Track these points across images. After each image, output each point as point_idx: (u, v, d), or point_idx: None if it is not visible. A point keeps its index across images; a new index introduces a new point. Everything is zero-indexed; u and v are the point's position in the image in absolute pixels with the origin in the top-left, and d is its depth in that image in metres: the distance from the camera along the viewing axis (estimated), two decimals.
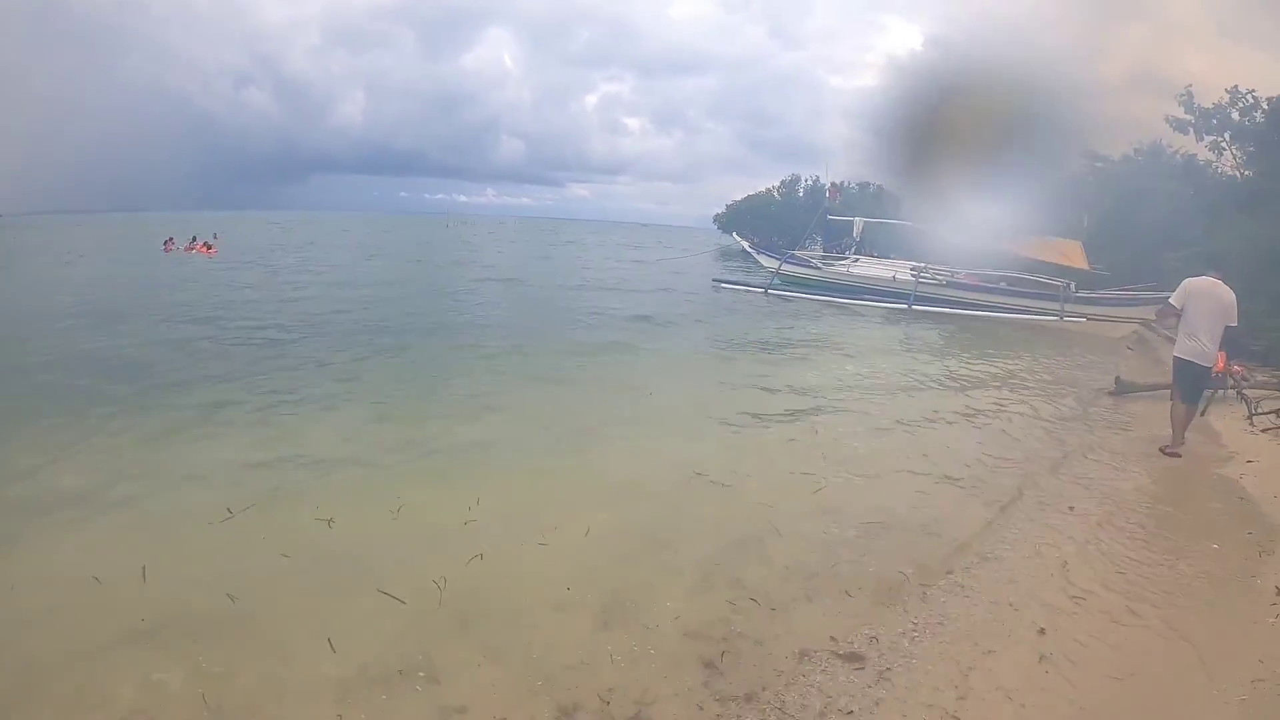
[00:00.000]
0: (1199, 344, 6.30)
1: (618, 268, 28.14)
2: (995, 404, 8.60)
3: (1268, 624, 3.71)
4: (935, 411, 8.08)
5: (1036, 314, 16.44)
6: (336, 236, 46.71)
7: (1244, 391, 8.45)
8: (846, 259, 21.24)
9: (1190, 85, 19.54)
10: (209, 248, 25.76)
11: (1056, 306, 16.25)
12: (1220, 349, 6.70)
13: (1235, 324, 6.35)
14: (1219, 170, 19.94)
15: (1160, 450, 6.64)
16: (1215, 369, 7.78)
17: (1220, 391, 8.61)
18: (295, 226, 60.81)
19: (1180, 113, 19.74)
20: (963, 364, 11.31)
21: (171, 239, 25.79)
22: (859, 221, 22.59)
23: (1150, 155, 22.02)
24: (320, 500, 4.68)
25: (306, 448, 5.81)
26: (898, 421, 7.60)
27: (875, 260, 21.09)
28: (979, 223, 16.45)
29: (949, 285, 17.93)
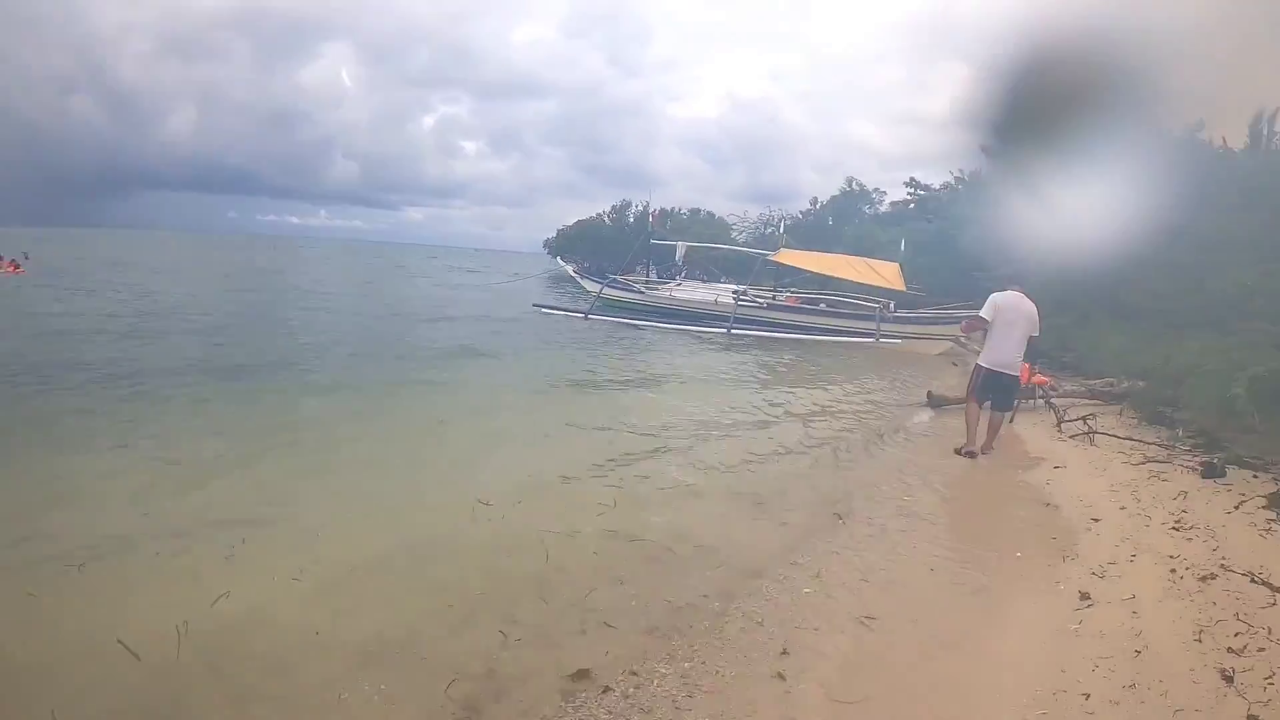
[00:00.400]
0: (1006, 355, 6.64)
1: (439, 294, 27.03)
2: (808, 426, 8.35)
3: (1070, 631, 3.60)
4: (745, 433, 7.78)
5: (855, 335, 16.97)
6: (155, 257, 42.30)
7: (1052, 401, 8.76)
8: (671, 283, 21.76)
9: None
10: (15, 266, 23.06)
11: (874, 327, 16.85)
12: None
13: (1038, 334, 6.80)
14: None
15: (955, 451, 6.86)
16: (1025, 382, 8.34)
17: (1030, 402, 8.92)
18: (117, 244, 55.83)
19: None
20: (777, 387, 11.22)
21: None
22: (682, 246, 23.17)
23: (970, 184, 22.86)
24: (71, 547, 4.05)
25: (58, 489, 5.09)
26: (700, 442, 7.17)
27: (699, 284, 21.68)
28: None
29: (770, 308, 18.48)
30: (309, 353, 11.43)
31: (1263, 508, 5.05)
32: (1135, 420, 7.95)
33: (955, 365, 14.40)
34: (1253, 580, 4.01)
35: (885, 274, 17.79)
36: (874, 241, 24.81)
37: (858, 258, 19.23)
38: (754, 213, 43.00)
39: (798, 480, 6.09)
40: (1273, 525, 4.76)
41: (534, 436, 7.13)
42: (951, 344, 16.16)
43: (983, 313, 6.65)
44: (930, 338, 16.46)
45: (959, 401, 9.07)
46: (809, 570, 4.22)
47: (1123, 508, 5.25)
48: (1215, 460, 6.00)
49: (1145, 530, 4.81)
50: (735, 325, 17.46)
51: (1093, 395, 9.38)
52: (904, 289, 17.73)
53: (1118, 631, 3.54)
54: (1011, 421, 7.57)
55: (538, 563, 4.19)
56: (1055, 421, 8.03)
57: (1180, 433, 6.61)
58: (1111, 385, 9.40)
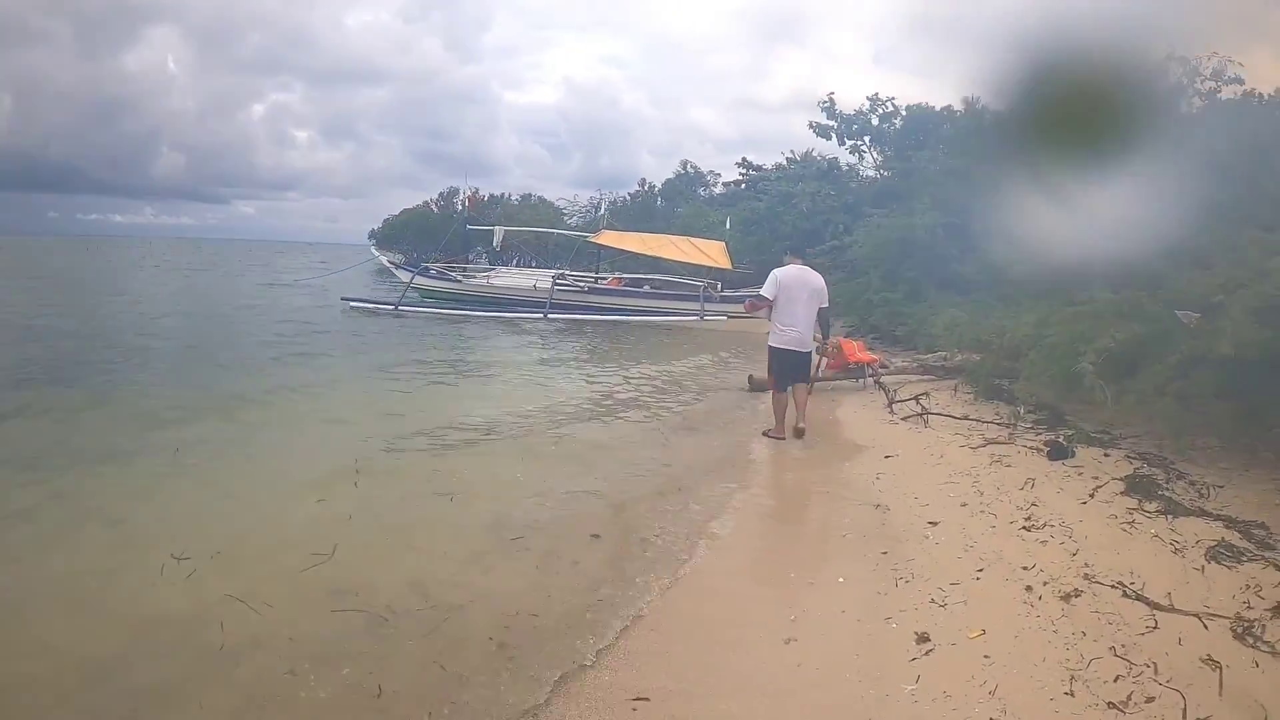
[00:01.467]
0: (797, 332, 6.44)
1: (253, 293, 24.17)
2: (616, 419, 7.60)
3: (906, 697, 2.70)
4: (531, 438, 6.78)
5: (679, 316, 16.58)
6: None
7: (882, 380, 8.18)
8: (490, 270, 21.36)
9: (832, 93, 20.59)
10: None
11: (698, 307, 16.54)
12: (856, 339, 7.50)
13: (826, 305, 6.66)
14: (860, 173, 21.40)
15: (764, 434, 6.63)
16: (851, 360, 8.27)
17: (859, 381, 8.50)
18: None
19: (823, 119, 20.69)
20: (582, 374, 10.51)
21: None
22: (499, 230, 22.54)
23: (801, 163, 23.37)
24: None
25: None
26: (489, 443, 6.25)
27: (518, 270, 21.24)
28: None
29: (592, 291, 18.10)
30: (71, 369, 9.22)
31: (1120, 494, 4.39)
32: (971, 396, 7.36)
33: None
34: (1124, 594, 3.20)
35: (711, 252, 17.65)
36: (705, 221, 24.89)
37: (682, 237, 19.22)
38: (584, 197, 42.28)
39: (579, 507, 4.95)
40: (1135, 515, 4.08)
41: (272, 477, 5.58)
42: None
43: (764, 291, 6.45)
44: (758, 316, 16.16)
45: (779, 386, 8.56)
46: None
47: (964, 504, 4.41)
48: (1061, 439, 5.42)
49: (992, 534, 3.96)
50: (552, 310, 16.89)
51: (925, 371, 8.91)
52: (731, 267, 17.67)
53: (967, 690, 2.64)
54: (809, 391, 6.91)
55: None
56: (886, 402, 7.36)
57: (1021, 410, 6.05)
58: (945, 360, 8.98)
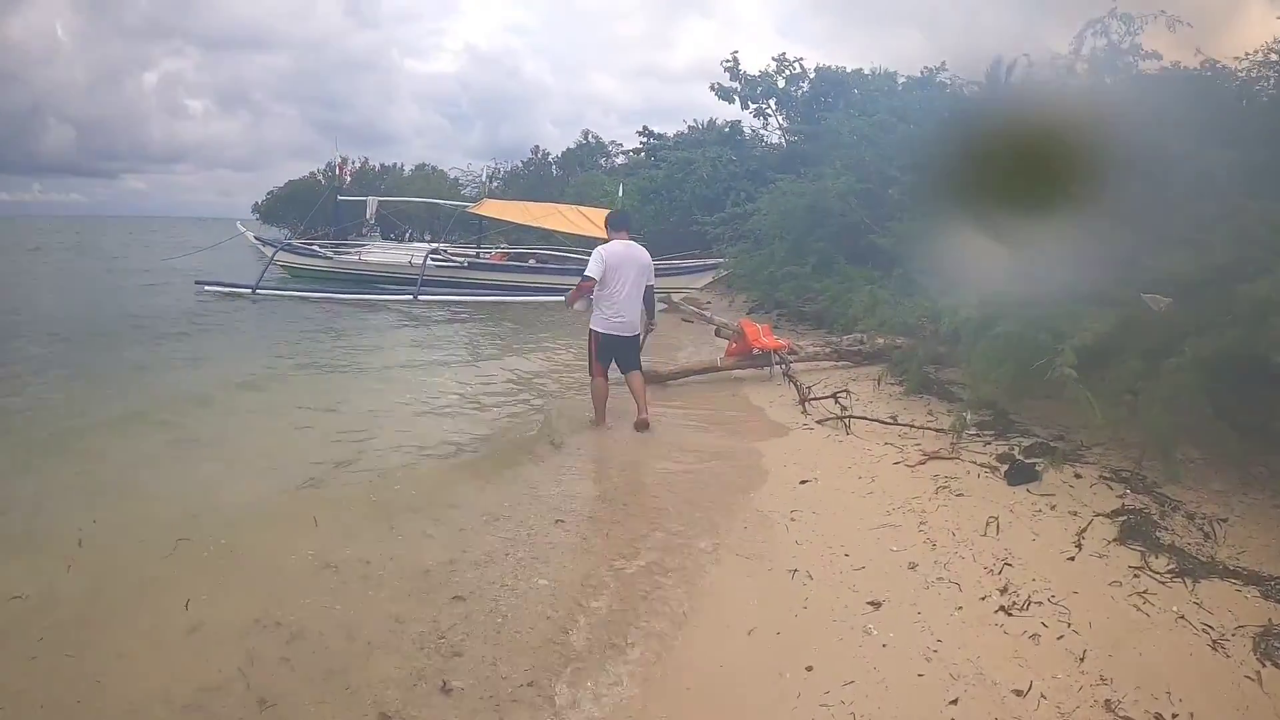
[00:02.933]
0: (623, 314, 5.94)
1: (102, 278, 21.31)
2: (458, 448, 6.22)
3: None
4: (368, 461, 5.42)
5: (561, 293, 14.36)
6: None
7: (791, 372, 6.86)
8: (363, 245, 19.67)
9: (736, 53, 19.27)
10: None
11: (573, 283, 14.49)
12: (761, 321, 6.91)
13: (653, 283, 6.13)
14: (765, 139, 20.33)
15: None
16: (756, 345, 7.27)
17: (767, 370, 7.36)
18: None
19: (727, 81, 19.41)
20: (431, 366, 9.04)
21: None
22: (372, 201, 21.13)
23: (702, 130, 22.22)
24: None
25: None
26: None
27: (394, 245, 19.52)
28: None
29: (472, 267, 16.72)
30: None
31: (1113, 540, 3.29)
32: (898, 389, 6.30)
33: (687, 323, 12.49)
34: None
35: (599, 220, 16.14)
36: (600, 191, 23.58)
37: (570, 206, 17.85)
38: (479, 166, 40.15)
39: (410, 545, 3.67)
40: (1141, 578, 2.95)
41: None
42: (684, 298, 15.00)
43: (589, 272, 5.88)
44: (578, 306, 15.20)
45: (678, 375, 7.32)
46: None
47: (913, 566, 3.19)
48: (1018, 454, 4.32)
49: (959, 624, 2.74)
50: (424, 290, 15.30)
51: (840, 357, 7.80)
52: None
53: None
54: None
55: None
56: (798, 399, 6.17)
57: (967, 417, 4.92)
58: (862, 344, 7.94)
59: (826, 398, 5.89)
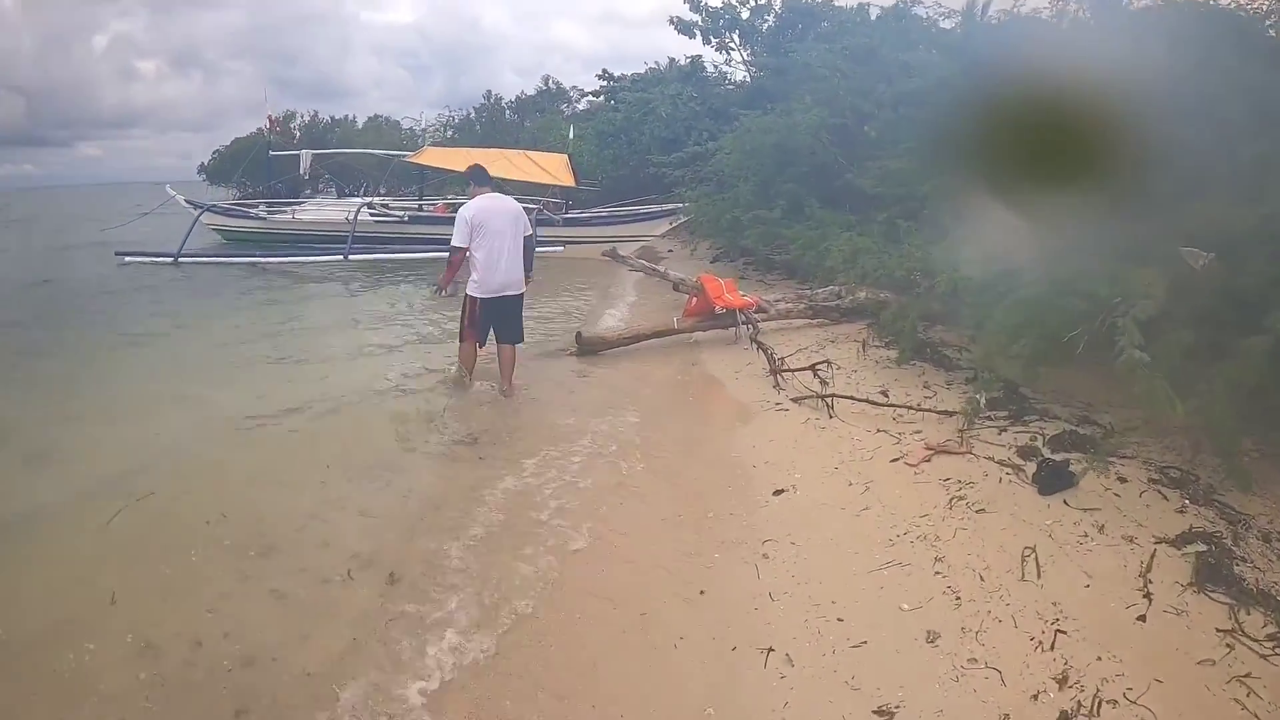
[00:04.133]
0: (504, 274, 5.32)
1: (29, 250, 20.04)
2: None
3: None
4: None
5: None
6: None
7: (759, 337, 5.88)
8: (299, 203, 18.43)
9: None
10: None
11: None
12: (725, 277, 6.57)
13: (532, 233, 5.62)
14: (729, 77, 19.21)
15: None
16: (719, 303, 6.43)
17: (735, 333, 6.48)
18: None
19: (686, 12, 18.07)
20: (354, 328, 8.22)
21: None
22: (306, 155, 19.41)
23: (664, 70, 20.87)
24: None
25: None
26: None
27: (333, 202, 18.62)
28: None
29: (413, 221, 15.55)
30: None
31: (1189, 586, 2.45)
32: (886, 355, 5.47)
33: (634, 275, 11.57)
34: None
35: (551, 168, 15.11)
36: (555, 135, 22.31)
37: (518, 151, 16.43)
38: (432, 115, 38.11)
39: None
40: (1235, 647, 2.15)
41: None
42: (641, 247, 14.17)
43: (455, 241, 5.30)
44: (608, 240, 13.88)
45: (627, 341, 6.42)
46: None
47: (933, 639, 2.33)
48: (1045, 451, 3.50)
49: None
50: (355, 248, 14.11)
51: (815, 314, 6.95)
52: (573, 183, 15.24)
53: None
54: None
55: None
56: (768, 369, 5.28)
57: (981, 399, 4.06)
58: (839, 298, 7.10)
59: (803, 369, 5.00)
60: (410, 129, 36.74)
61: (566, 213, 15.27)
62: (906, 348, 5.15)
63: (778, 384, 5.07)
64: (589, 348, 6.24)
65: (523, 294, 5.50)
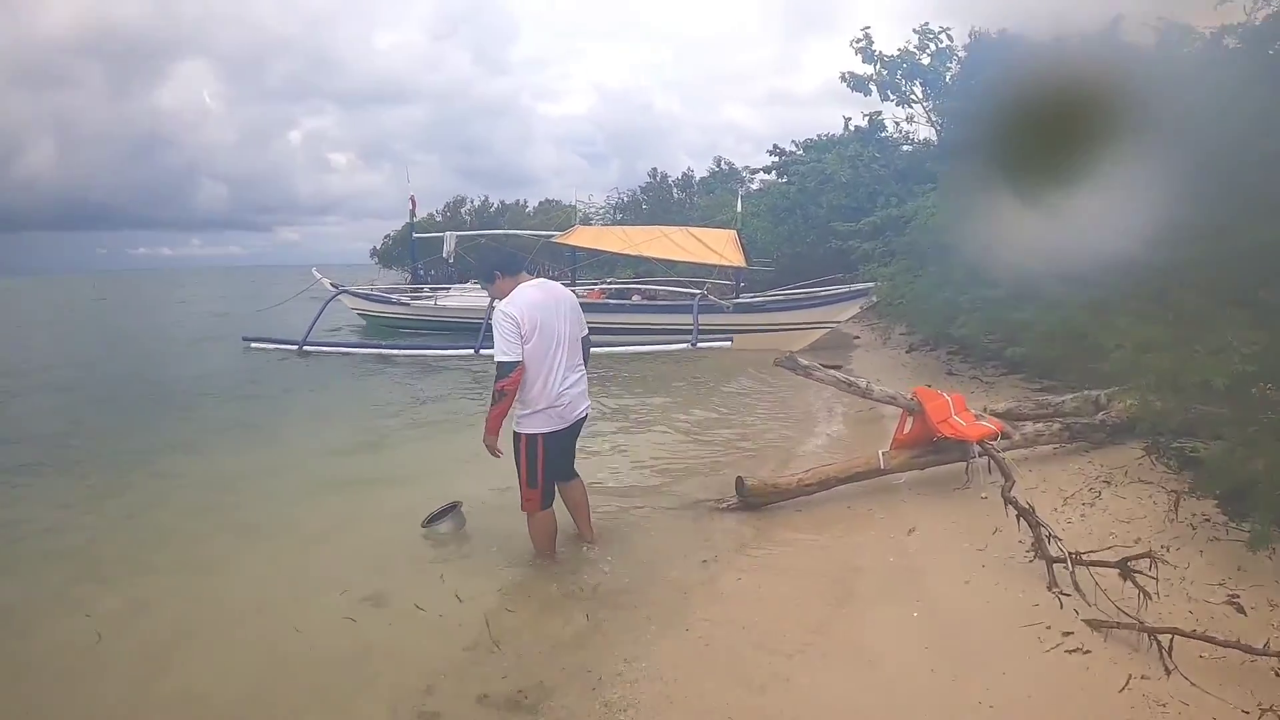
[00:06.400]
0: (569, 390, 3.80)
1: (190, 328, 21.02)
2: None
3: None
4: None
5: (662, 344, 12.20)
6: None
7: (1018, 499, 3.70)
8: (447, 289, 17.80)
9: (868, 28, 16.19)
10: None
11: (689, 326, 12.20)
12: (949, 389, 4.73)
13: (587, 332, 4.01)
14: (913, 135, 17.15)
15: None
16: (943, 430, 4.40)
17: (967, 470, 4.48)
18: None
19: (859, 65, 16.34)
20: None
21: None
22: (450, 236, 18.50)
23: (839, 135, 19.25)
24: None
25: None
26: None
27: (476, 288, 16.94)
28: None
29: None
30: None
31: None
32: (1209, 518, 3.48)
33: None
34: None
35: (716, 245, 13.56)
36: (728, 213, 21.12)
37: (679, 228, 15.01)
38: (599, 196, 38.58)
39: None
40: None
41: None
42: (826, 332, 12.43)
43: (505, 355, 3.62)
44: (786, 328, 12.40)
45: (807, 490, 4.56)
46: None
47: None
48: None
49: None
50: (487, 343, 12.49)
51: (1073, 436, 5.01)
52: (743, 263, 13.58)
53: None
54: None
55: None
56: (1032, 550, 3.34)
57: None
58: (1099, 407, 5.17)
59: (1106, 565, 2.99)
60: (582, 210, 37.19)
61: (737, 297, 13.62)
62: (1267, 523, 3.12)
63: (1053, 584, 3.14)
64: (755, 499, 4.42)
65: (587, 415, 4.04)
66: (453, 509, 4.65)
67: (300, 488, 5.63)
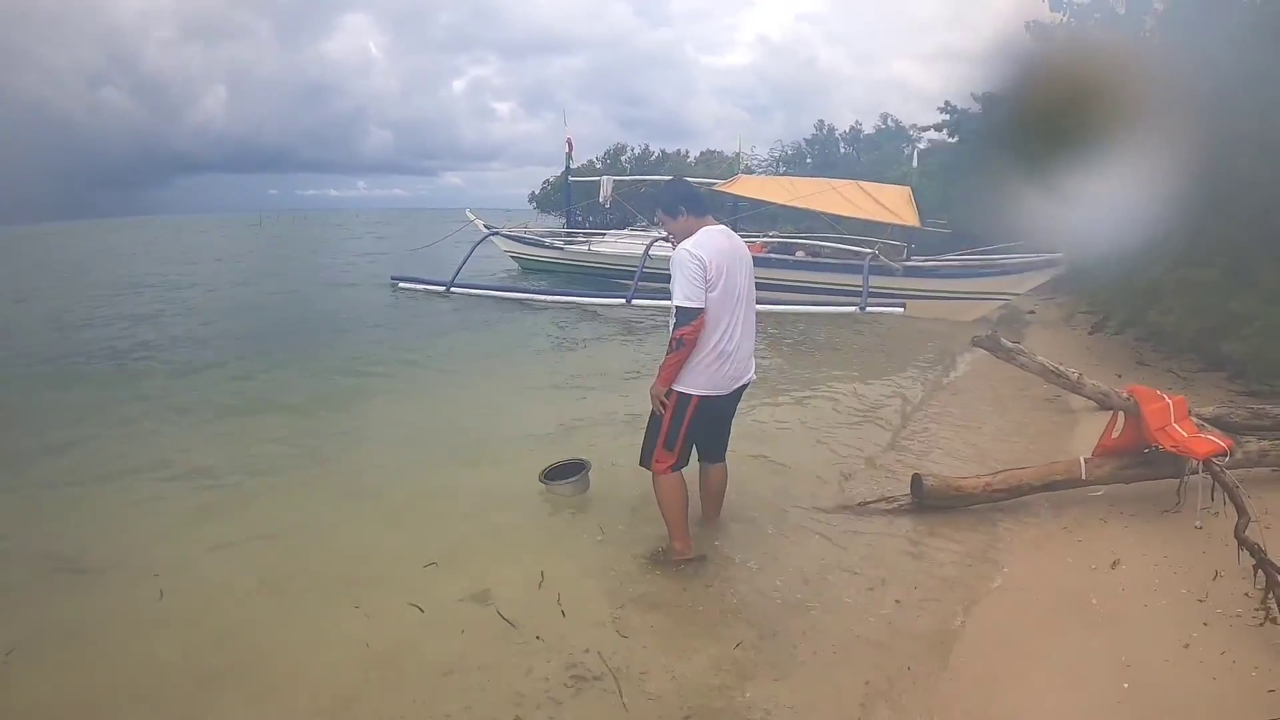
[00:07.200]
0: (738, 351, 3.44)
1: (350, 264, 22.44)
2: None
3: None
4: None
5: (832, 299, 11.70)
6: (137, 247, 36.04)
7: (1246, 537, 3.14)
8: (602, 235, 17.52)
9: None
10: None
11: (859, 287, 11.47)
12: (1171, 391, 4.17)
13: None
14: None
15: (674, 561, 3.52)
16: (1158, 439, 3.79)
17: (1179, 490, 3.88)
18: (116, 236, 48.28)
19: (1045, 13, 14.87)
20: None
21: None
22: (606, 181, 18.49)
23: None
24: None
25: None
26: None
27: (633, 233, 16.93)
28: None
29: None
30: None
31: None
32: None
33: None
34: None
35: (890, 202, 12.67)
36: (898, 171, 19.80)
37: (849, 182, 14.04)
38: (762, 148, 37.38)
39: None
40: None
41: None
42: (1002, 304, 11.62)
43: (688, 300, 3.24)
44: (959, 296, 11.55)
45: (995, 496, 4.11)
46: None
47: None
48: None
49: None
50: (641, 291, 12.12)
51: None
52: (916, 223, 12.61)
53: None
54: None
55: None
56: (1262, 611, 2.84)
57: None
58: None
59: None
60: (745, 161, 36.41)
61: (907, 259, 12.62)
62: None
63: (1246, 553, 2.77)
64: (933, 501, 3.96)
65: (746, 386, 3.62)
66: (580, 471, 4.42)
67: (424, 442, 5.64)
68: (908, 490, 4.12)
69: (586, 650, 2.83)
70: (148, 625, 3.12)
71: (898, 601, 3.19)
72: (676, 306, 3.25)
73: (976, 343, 5.98)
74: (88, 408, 6.48)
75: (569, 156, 19.83)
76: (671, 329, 3.26)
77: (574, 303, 12.78)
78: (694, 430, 3.48)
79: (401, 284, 14.89)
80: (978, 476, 4.11)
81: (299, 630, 3.07)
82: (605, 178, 18.76)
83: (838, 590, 3.29)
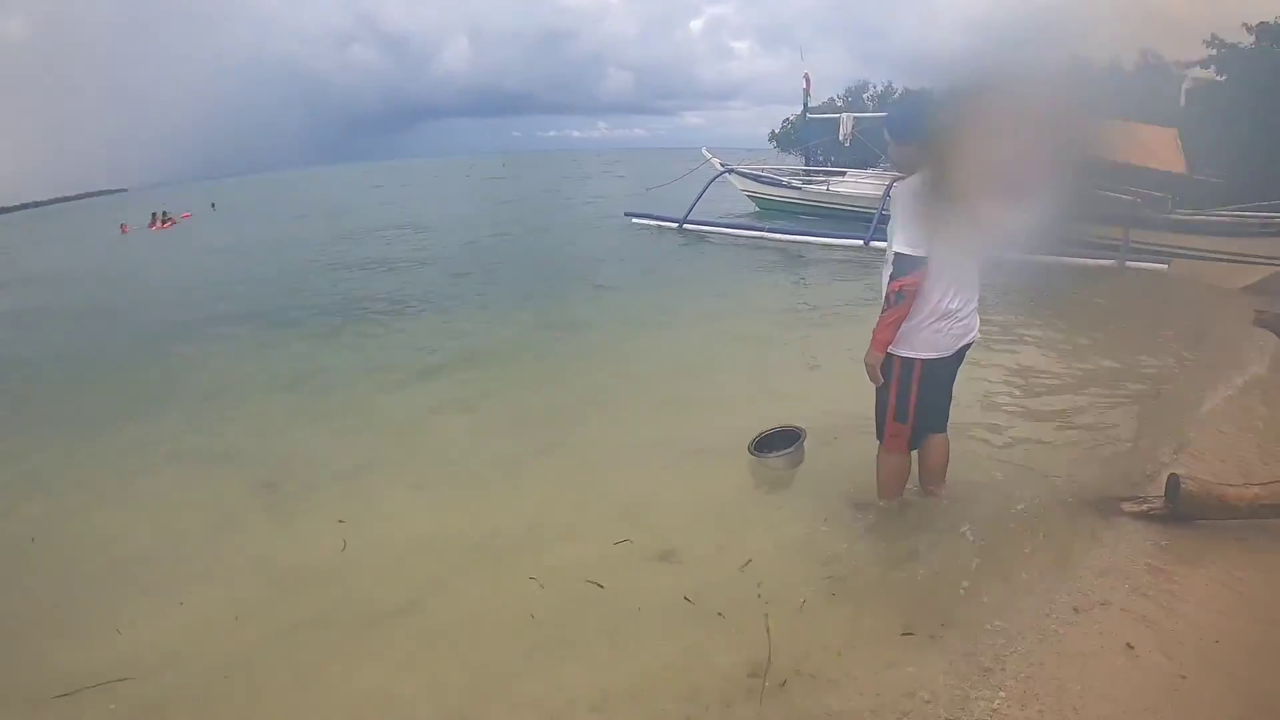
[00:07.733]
0: (967, 305, 3.14)
1: (589, 202, 24.37)
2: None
3: None
4: None
5: (1088, 253, 10.51)
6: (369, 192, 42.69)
7: None
8: (841, 174, 17.02)
9: None
10: (167, 222, 26.54)
11: (1121, 238, 10.36)
12: None
13: None
14: None
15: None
16: None
17: None
18: (376, 176, 60.44)
19: None
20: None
21: (126, 223, 26.55)
22: (846, 118, 17.67)
23: None
24: None
25: None
26: None
27: (875, 173, 16.21)
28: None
29: None
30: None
31: None
32: None
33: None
34: None
35: (1153, 144, 11.09)
36: (1164, 108, 17.55)
37: (1107, 119, 12.44)
38: None
39: None
40: None
41: None
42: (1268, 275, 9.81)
43: (910, 247, 2.87)
44: (1230, 258, 10.07)
45: (1267, 511, 3.37)
46: None
47: None
48: None
49: None
50: (878, 234, 11.62)
51: None
52: (1184, 170, 11.07)
53: None
54: None
55: None
56: None
57: None
58: None
59: None
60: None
61: (1170, 211, 11.21)
62: None
63: None
64: (1189, 509, 3.30)
65: (970, 345, 3.27)
66: (795, 442, 4.11)
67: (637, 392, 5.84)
68: (1162, 493, 3.51)
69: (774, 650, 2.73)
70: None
71: (1130, 646, 2.68)
72: (896, 253, 2.93)
73: (1261, 322, 5.13)
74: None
75: (806, 94, 19.18)
76: (886, 280, 2.97)
77: (809, 242, 12.72)
78: (924, 399, 3.23)
79: (635, 219, 15.41)
80: (1245, 485, 3.41)
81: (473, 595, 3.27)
82: (845, 115, 18.19)
83: (1048, 613, 2.88)
